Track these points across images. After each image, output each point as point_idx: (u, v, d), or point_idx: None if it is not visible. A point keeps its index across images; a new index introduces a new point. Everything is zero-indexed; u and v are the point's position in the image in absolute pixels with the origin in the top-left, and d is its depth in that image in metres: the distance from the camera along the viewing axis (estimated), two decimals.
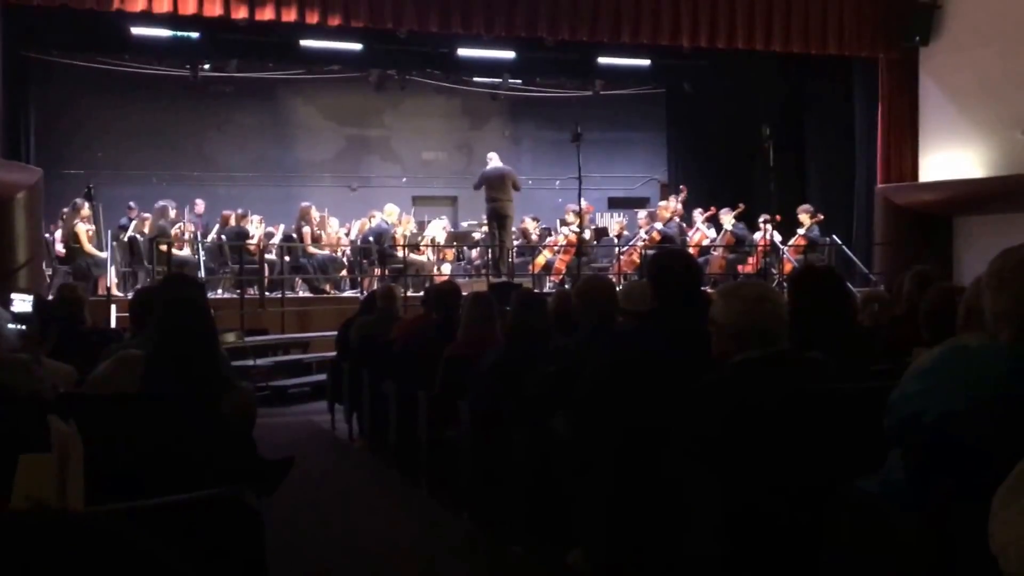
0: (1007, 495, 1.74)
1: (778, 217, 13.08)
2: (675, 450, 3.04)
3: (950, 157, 13.03)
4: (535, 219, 14.79)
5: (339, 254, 13.88)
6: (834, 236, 13.34)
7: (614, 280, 10.62)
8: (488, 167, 12.86)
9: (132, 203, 13.47)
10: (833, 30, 13.03)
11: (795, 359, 2.95)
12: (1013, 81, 11.94)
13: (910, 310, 4.68)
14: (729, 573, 2.81)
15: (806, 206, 13.40)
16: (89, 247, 12.04)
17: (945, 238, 13.29)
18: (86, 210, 12.16)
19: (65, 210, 12.47)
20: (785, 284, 9.01)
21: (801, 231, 13.19)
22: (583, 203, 12.78)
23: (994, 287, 2.17)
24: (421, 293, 9.55)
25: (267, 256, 13.06)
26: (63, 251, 12.40)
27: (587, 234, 13.52)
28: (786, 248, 13.14)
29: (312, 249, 13.26)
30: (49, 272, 12.25)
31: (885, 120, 13.52)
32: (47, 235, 12.60)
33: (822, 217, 13.28)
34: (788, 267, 12.51)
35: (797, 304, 3.71)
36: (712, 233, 13.90)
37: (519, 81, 16.86)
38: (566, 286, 11.29)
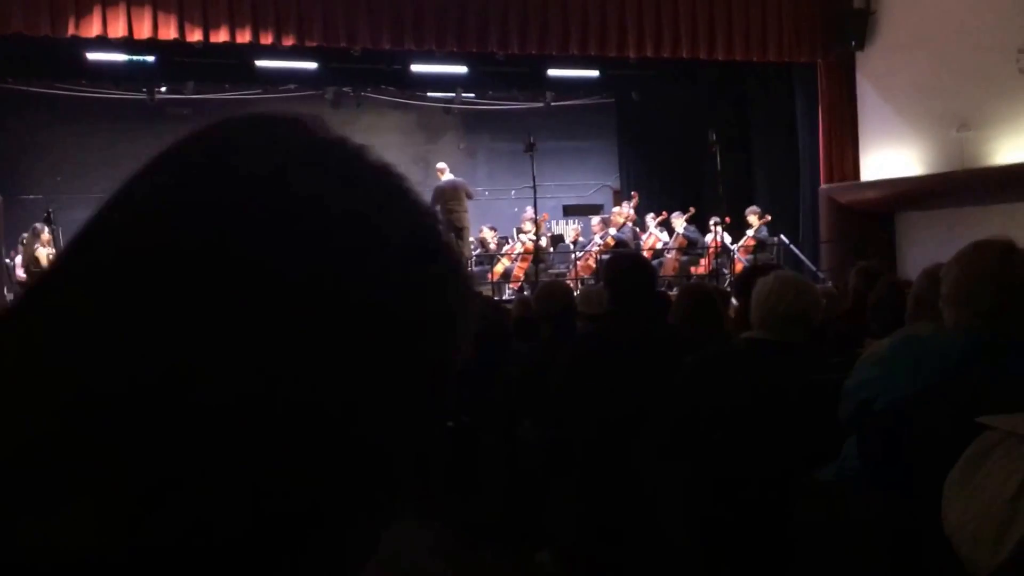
0: (958, 478, 1.80)
1: (727, 219, 13.47)
2: (654, 432, 3.16)
3: (889, 156, 13.45)
4: (493, 228, 15.04)
5: None
6: (782, 236, 13.69)
7: (571, 285, 10.92)
8: (441, 180, 13.07)
9: None
10: (773, 38, 13.42)
11: (795, 349, 3.01)
12: (946, 81, 12.33)
13: (856, 304, 4.76)
14: (699, 561, 2.92)
15: (754, 207, 13.80)
16: None
17: (888, 234, 13.68)
18: (46, 234, 12.23)
19: (25, 235, 12.52)
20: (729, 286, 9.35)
21: (750, 232, 13.58)
22: (539, 211, 13.09)
23: (946, 271, 2.30)
24: None
25: None
26: (24, 276, 12.44)
27: (544, 241, 13.81)
28: (736, 249, 13.52)
29: None
30: (11, 297, 12.30)
31: (826, 122, 13.94)
32: (7, 260, 12.65)
33: (769, 218, 13.68)
34: (739, 267, 12.86)
35: (744, 303, 3.85)
36: (664, 236, 14.23)
37: (472, 95, 17.14)
38: (525, 293, 11.56)
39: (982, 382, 2.11)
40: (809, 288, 3.12)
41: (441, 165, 13.33)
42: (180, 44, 11.83)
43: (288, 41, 12.01)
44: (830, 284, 10.51)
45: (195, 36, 11.56)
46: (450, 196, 12.88)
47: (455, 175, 13.43)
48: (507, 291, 13.34)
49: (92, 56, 13.29)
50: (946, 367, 2.18)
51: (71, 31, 11.04)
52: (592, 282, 12.10)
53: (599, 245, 13.82)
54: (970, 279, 2.20)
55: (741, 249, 13.46)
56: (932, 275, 2.61)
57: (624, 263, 4.15)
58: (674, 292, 8.14)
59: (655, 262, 13.20)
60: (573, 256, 13.95)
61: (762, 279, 3.15)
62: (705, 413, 2.96)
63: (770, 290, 3.04)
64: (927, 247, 11.71)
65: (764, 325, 3.02)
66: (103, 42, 11.71)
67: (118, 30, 11.16)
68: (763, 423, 2.83)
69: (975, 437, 1.86)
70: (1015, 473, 1.77)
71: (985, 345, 2.17)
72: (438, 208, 12.89)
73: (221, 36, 11.67)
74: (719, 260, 13.33)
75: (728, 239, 13.56)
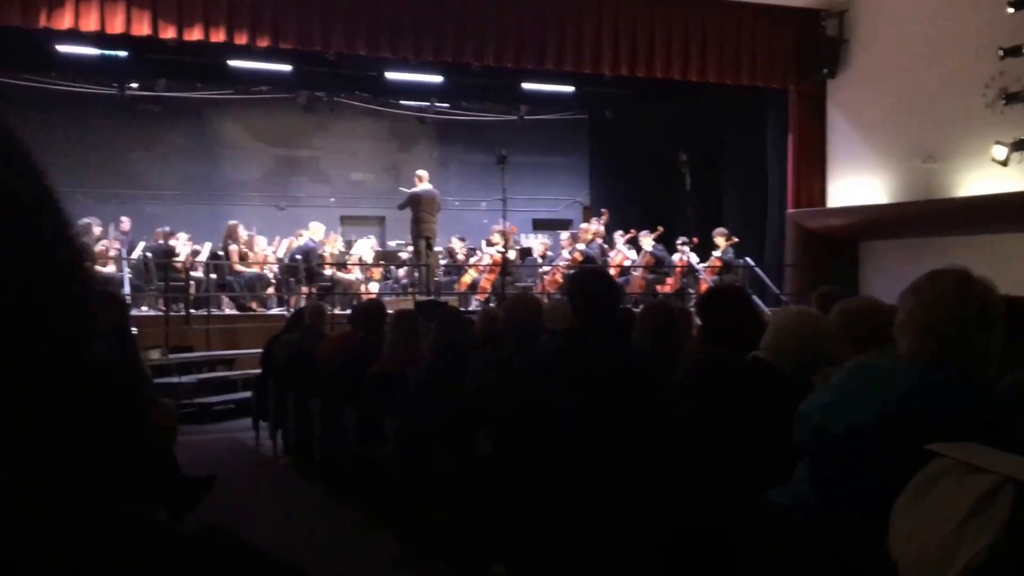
0: (906, 506, 1.83)
1: (695, 239, 13.59)
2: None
3: (856, 184, 13.62)
4: (462, 239, 15.04)
5: (266, 272, 13.92)
6: (747, 258, 13.81)
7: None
8: (419, 188, 13.05)
9: None
10: (746, 62, 13.57)
11: (788, 376, 3.01)
12: (914, 113, 12.52)
13: None
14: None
15: (721, 229, 13.92)
16: None
17: (851, 261, 13.84)
18: None
19: None
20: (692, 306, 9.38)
21: (716, 253, 13.68)
22: (508, 224, 13.11)
23: (901, 300, 2.30)
24: (348, 311, 9.67)
25: (193, 274, 13.06)
26: None
27: (512, 254, 13.83)
28: (702, 269, 13.62)
29: (239, 267, 13.30)
30: None
31: (795, 148, 14.09)
32: None
33: (736, 240, 13.79)
34: (704, 287, 12.95)
35: (706, 323, 3.84)
36: (632, 254, 14.29)
37: (446, 105, 17.17)
38: (491, 304, 11.55)
39: (933, 411, 2.12)
40: (824, 333, 3.10)
41: (421, 173, 13.31)
42: (153, 40, 11.74)
43: (263, 42, 11.95)
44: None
45: (168, 33, 11.47)
46: (425, 205, 12.88)
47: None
48: (474, 302, 13.33)
49: (63, 49, 13.14)
50: (899, 395, 2.19)
51: (42, 22, 10.91)
52: (559, 296, 12.12)
53: (567, 260, 13.85)
54: (925, 309, 2.21)
55: (707, 270, 13.56)
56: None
57: (588, 279, 4.14)
58: (640, 309, 8.18)
59: (622, 279, 13.27)
60: (541, 270, 13.98)
61: (785, 309, 3.19)
62: (696, 412, 2.97)
63: (786, 324, 3.06)
64: (890, 275, 11.85)
65: (769, 349, 3.04)
66: (75, 35, 11.59)
67: (90, 23, 11.04)
68: (740, 438, 2.85)
69: (924, 465, 1.88)
70: (962, 501, 1.79)
71: (938, 375, 2.18)
72: (409, 212, 12.92)
73: (195, 34, 11.58)
74: (685, 280, 13.42)
75: (695, 259, 13.66)
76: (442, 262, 14.17)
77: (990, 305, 2.20)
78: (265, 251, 14.32)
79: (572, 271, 11.98)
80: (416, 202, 12.88)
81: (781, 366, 2.97)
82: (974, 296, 2.19)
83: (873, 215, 13.21)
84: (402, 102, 17.26)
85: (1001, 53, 11.13)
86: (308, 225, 13.79)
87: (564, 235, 14.90)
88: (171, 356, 10.38)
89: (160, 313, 11.76)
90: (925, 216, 12.32)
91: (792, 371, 2.97)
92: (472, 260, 14.44)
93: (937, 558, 1.77)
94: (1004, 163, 11.28)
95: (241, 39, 11.82)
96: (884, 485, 1.97)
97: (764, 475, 2.65)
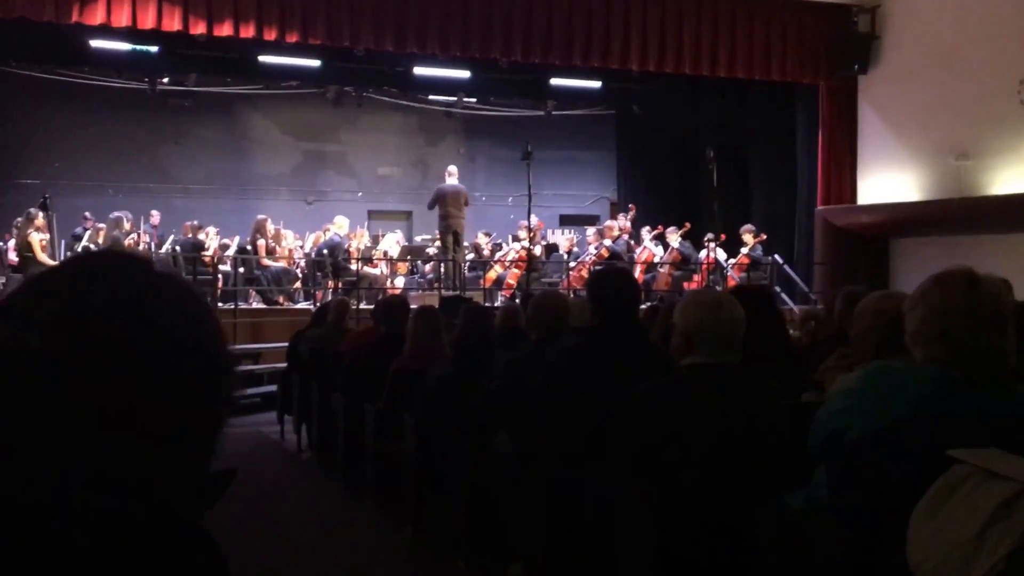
0: (924, 512, 1.80)
1: (722, 236, 13.48)
2: (608, 460, 3.08)
3: (887, 181, 13.47)
4: (487, 234, 15.04)
5: (293, 266, 14.01)
6: (776, 255, 13.70)
7: (563, 294, 10.85)
8: (445, 183, 13.10)
9: (87, 213, 13.53)
10: (776, 57, 13.45)
11: (739, 372, 2.96)
12: (947, 109, 12.37)
13: (841, 329, 4.64)
14: None
15: (749, 226, 13.81)
16: (42, 256, 12.05)
17: (882, 259, 13.70)
18: (40, 220, 12.18)
19: (19, 219, 12.49)
20: None
21: (744, 250, 13.58)
22: (534, 220, 13.08)
23: (910, 308, 2.24)
24: (374, 306, 9.69)
25: (221, 267, 13.16)
26: (16, 260, 12.40)
27: (538, 250, 13.80)
28: (729, 266, 13.52)
29: (266, 261, 13.38)
30: (2, 281, 12.27)
31: (825, 144, 13.96)
32: (0, 244, 12.61)
33: (764, 237, 13.68)
34: (731, 284, 12.86)
35: None
36: (659, 251, 14.21)
37: (474, 100, 17.19)
38: (516, 300, 11.51)
39: (952, 417, 2.08)
40: (723, 304, 2.99)
41: (452, 169, 13.34)
42: (184, 36, 11.85)
43: (292, 38, 12.02)
44: (820, 307, 10.50)
45: (199, 28, 11.57)
46: (451, 201, 12.91)
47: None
48: (499, 298, 13.30)
49: (95, 44, 13.30)
50: (917, 400, 2.14)
51: (75, 17, 11.04)
52: (584, 293, 12.06)
53: (593, 256, 13.80)
54: (936, 314, 2.16)
55: (735, 267, 13.46)
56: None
57: (606, 277, 4.07)
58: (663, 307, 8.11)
59: (648, 276, 13.22)
60: (566, 266, 13.94)
61: (680, 300, 3.07)
62: (657, 442, 2.90)
63: (685, 311, 2.96)
64: (920, 273, 11.58)
65: (694, 347, 2.94)
66: (106, 30, 11.72)
67: (122, 19, 11.16)
68: (709, 451, 2.79)
69: (943, 471, 1.85)
70: (981, 508, 1.76)
71: (956, 380, 2.13)
72: (437, 209, 12.96)
73: (225, 30, 11.67)
74: (712, 277, 13.32)
75: (722, 256, 13.56)
76: (468, 257, 14.18)
77: (1001, 305, 2.15)
78: (292, 245, 14.41)
79: (596, 268, 11.94)
80: (441, 198, 12.92)
81: (712, 362, 2.89)
82: (984, 296, 2.14)
83: (904, 212, 13.06)
84: (430, 97, 17.31)
85: None
86: (334, 219, 13.84)
87: (591, 231, 14.84)
88: None
89: None
90: (957, 214, 12.16)
91: (720, 361, 2.89)
92: (497, 255, 14.43)
93: (956, 566, 1.74)
94: None
95: (271, 34, 11.89)
96: (902, 491, 1.93)
97: (752, 473, 2.62)
